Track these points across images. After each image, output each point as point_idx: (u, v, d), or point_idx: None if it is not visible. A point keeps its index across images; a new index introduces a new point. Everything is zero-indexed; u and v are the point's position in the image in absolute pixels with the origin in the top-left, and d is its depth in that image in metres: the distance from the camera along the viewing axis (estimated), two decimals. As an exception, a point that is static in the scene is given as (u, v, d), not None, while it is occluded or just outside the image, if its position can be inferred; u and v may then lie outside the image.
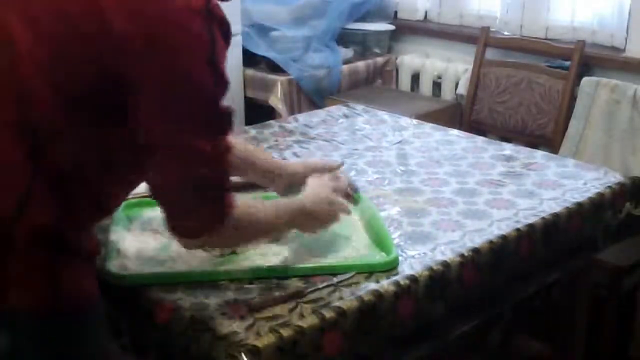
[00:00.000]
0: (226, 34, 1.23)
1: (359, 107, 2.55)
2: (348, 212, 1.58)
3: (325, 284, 1.41)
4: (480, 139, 2.28)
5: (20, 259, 1.17)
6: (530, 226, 1.69)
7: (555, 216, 1.74)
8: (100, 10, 1.14)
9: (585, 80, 3.03)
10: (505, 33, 3.41)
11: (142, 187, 1.79)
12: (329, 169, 1.72)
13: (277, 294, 1.36)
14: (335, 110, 2.51)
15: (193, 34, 1.17)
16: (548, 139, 3.08)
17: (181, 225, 1.31)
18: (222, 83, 1.23)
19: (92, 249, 1.29)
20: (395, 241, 1.58)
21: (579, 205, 1.81)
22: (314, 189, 1.57)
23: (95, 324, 1.27)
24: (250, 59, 3.49)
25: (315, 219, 1.52)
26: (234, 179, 1.87)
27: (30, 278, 1.18)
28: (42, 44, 1.16)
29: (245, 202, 1.38)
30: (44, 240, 1.18)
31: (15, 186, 1.17)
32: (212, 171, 1.26)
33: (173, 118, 1.20)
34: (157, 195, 1.30)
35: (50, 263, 1.19)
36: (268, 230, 1.47)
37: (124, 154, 1.24)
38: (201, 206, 1.28)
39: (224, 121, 1.25)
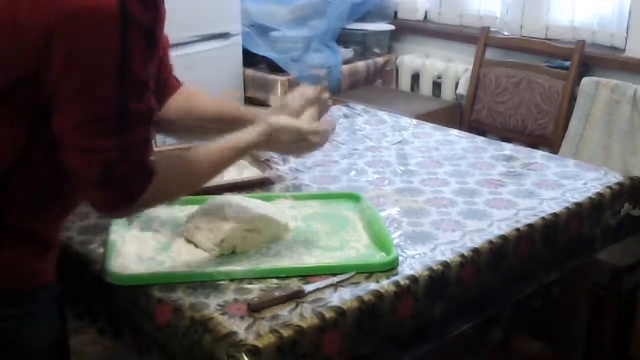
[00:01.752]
0: (148, 35, 1.23)
1: (359, 107, 2.55)
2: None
3: (325, 284, 1.41)
4: (480, 139, 2.28)
5: None
6: (530, 226, 1.69)
7: (555, 216, 1.74)
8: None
9: (585, 80, 3.03)
10: (505, 33, 3.41)
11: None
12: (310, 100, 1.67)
13: (277, 294, 1.36)
14: (335, 110, 2.51)
15: (102, 38, 1.18)
16: (548, 139, 3.08)
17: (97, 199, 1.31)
18: (134, 87, 1.23)
19: (46, 237, 1.33)
20: (395, 241, 1.58)
21: (579, 205, 1.81)
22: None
23: (40, 306, 1.32)
24: (250, 59, 3.49)
25: (289, 133, 1.53)
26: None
27: None
28: None
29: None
30: None
31: None
32: (121, 160, 1.25)
33: (76, 119, 1.21)
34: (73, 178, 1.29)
35: None
36: (217, 159, 1.46)
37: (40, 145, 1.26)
38: (112, 190, 1.27)
39: (131, 121, 1.24)
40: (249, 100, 3.49)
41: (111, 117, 1.22)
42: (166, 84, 1.62)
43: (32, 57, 1.18)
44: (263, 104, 3.40)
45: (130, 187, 1.27)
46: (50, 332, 1.37)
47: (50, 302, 1.36)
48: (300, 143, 1.56)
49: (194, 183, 1.48)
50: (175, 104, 1.64)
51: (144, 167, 1.27)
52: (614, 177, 1.96)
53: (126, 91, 1.21)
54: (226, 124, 1.62)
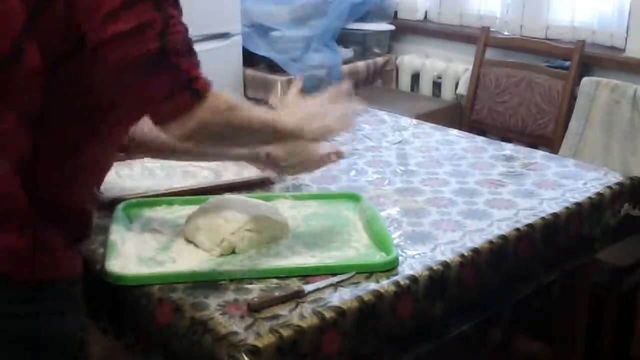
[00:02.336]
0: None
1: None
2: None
3: (325, 284, 1.41)
4: (480, 139, 2.28)
5: None
6: (530, 226, 1.69)
7: (555, 216, 1.75)
8: None
9: (585, 80, 3.03)
10: (505, 33, 3.41)
11: (142, 187, 1.81)
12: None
13: (277, 294, 1.36)
14: (335, 110, 2.51)
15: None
16: (548, 139, 3.08)
17: (158, 112, 1.31)
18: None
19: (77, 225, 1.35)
20: (395, 241, 1.58)
21: (579, 205, 1.81)
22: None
23: (68, 301, 1.32)
24: (250, 59, 3.49)
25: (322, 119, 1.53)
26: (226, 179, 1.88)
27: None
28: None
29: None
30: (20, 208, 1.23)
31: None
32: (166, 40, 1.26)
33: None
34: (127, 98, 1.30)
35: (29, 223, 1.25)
36: (261, 122, 1.43)
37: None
38: (163, 76, 1.27)
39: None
40: (249, 100, 3.49)
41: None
42: None
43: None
44: (263, 104, 3.40)
45: (193, 82, 1.29)
46: (81, 329, 1.37)
47: (80, 298, 1.36)
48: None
49: (239, 130, 1.42)
50: None
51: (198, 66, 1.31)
52: (614, 177, 1.96)
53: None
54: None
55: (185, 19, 1.29)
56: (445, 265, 1.51)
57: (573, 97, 3.05)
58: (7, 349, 1.25)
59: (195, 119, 1.29)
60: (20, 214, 1.25)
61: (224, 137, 1.42)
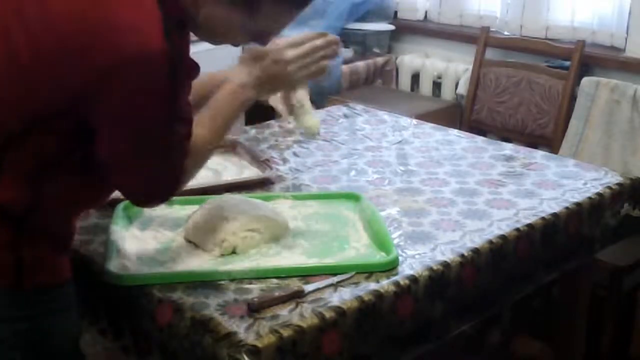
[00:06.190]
0: (190, 73, 1.30)
1: (359, 107, 2.55)
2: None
3: (325, 284, 1.41)
4: (480, 139, 2.28)
5: None
6: (530, 226, 1.69)
7: (555, 216, 1.74)
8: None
9: (585, 80, 3.03)
10: (505, 33, 3.41)
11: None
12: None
13: (277, 294, 1.36)
14: (335, 110, 2.51)
15: (153, 86, 1.19)
16: (548, 139, 3.08)
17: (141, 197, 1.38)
18: (181, 117, 1.28)
19: (63, 236, 1.35)
20: (395, 241, 1.58)
21: (579, 205, 1.81)
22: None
23: (61, 304, 1.33)
24: (250, 59, 3.49)
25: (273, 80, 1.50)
26: (226, 178, 1.87)
27: None
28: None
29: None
30: (9, 219, 1.23)
31: None
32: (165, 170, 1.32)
33: (123, 149, 1.25)
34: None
35: (14, 241, 1.25)
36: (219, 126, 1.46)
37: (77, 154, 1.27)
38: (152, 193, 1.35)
39: (176, 143, 1.29)
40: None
41: (162, 145, 1.27)
42: None
43: (73, 97, 1.19)
44: (263, 103, 3.40)
45: (170, 189, 1.35)
46: (74, 329, 1.38)
47: (72, 299, 1.36)
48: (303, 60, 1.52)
49: (204, 160, 1.47)
50: None
51: (182, 168, 1.34)
52: (613, 177, 1.96)
53: (174, 123, 1.26)
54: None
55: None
56: (445, 265, 1.51)
57: (573, 97, 3.05)
58: None
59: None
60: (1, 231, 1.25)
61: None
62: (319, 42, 1.54)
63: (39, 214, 1.26)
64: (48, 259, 1.30)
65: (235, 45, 1.43)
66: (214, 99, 1.46)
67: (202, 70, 1.38)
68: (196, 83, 1.39)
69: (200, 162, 1.44)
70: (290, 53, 1.51)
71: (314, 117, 1.63)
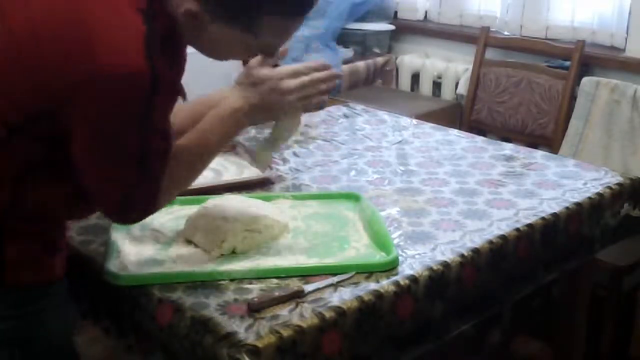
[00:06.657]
0: (172, 89, 1.27)
1: (359, 107, 2.55)
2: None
3: (325, 284, 1.41)
4: (480, 139, 2.28)
5: None
6: (530, 226, 1.69)
7: (555, 216, 1.74)
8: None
9: (585, 80, 3.03)
10: (505, 33, 3.41)
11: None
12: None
13: (277, 294, 1.36)
14: (335, 110, 2.51)
15: (129, 102, 1.18)
16: (548, 139, 3.08)
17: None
18: (157, 138, 1.26)
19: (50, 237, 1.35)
20: (395, 241, 1.58)
21: (579, 205, 1.81)
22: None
23: (50, 303, 1.34)
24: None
25: (265, 110, 1.49)
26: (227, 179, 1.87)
27: None
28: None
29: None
30: None
31: None
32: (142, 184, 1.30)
33: (98, 157, 1.25)
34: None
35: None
36: (206, 153, 1.45)
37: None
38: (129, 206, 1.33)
39: (151, 157, 1.27)
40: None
41: (134, 157, 1.25)
42: None
43: (51, 105, 1.19)
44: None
45: (146, 204, 1.34)
46: (65, 327, 1.39)
47: (62, 297, 1.37)
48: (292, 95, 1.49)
49: (189, 181, 1.47)
50: None
51: (159, 185, 1.31)
52: (613, 177, 1.96)
53: (147, 137, 1.24)
54: None
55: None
56: (445, 265, 1.51)
57: (573, 97, 3.05)
58: None
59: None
60: None
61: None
62: (320, 75, 1.53)
63: (22, 216, 1.27)
64: (33, 258, 1.30)
65: (242, 60, 1.42)
66: (206, 117, 1.45)
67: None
68: (192, 105, 1.40)
69: (186, 176, 1.43)
70: (290, 83, 1.49)
71: (272, 155, 1.70)
